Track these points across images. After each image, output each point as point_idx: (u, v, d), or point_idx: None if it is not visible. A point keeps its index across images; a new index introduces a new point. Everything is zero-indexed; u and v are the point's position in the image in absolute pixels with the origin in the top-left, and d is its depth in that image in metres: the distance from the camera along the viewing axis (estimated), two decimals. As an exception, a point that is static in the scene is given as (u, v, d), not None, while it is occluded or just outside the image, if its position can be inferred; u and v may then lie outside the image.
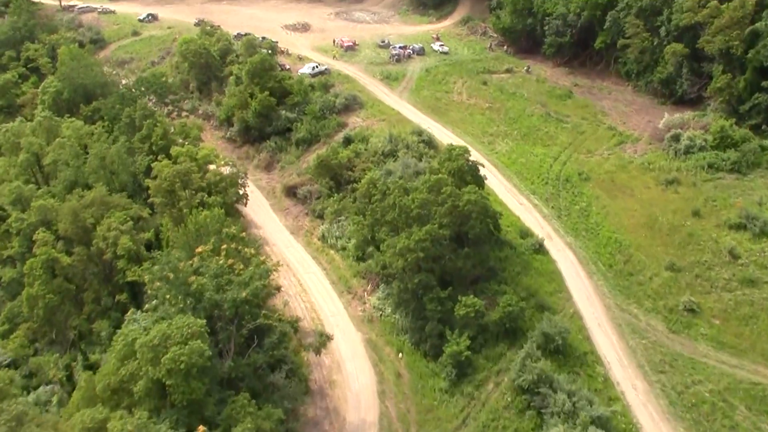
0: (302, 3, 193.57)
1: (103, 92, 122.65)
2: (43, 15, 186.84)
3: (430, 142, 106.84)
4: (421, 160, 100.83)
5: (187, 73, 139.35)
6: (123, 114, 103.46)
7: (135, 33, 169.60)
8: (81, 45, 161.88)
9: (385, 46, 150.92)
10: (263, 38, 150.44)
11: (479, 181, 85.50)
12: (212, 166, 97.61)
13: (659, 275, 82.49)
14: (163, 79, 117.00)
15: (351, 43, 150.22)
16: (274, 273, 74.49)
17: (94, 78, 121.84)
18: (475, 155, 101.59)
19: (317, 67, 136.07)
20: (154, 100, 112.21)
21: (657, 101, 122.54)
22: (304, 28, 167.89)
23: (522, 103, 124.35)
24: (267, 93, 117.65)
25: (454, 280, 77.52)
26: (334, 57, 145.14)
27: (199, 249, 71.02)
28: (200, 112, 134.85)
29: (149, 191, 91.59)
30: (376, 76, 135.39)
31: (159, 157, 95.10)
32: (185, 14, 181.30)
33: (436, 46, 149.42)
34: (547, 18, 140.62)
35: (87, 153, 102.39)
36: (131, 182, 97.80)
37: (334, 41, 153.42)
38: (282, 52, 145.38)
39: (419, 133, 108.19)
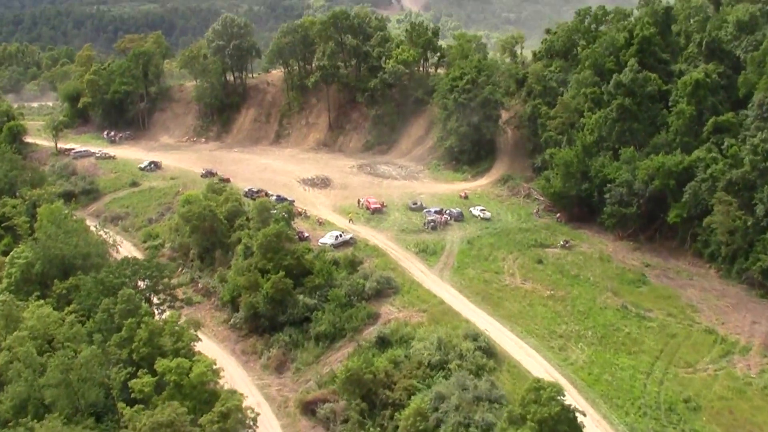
0: (321, 153, 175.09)
1: (84, 264, 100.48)
2: (35, 158, 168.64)
3: (488, 350, 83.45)
4: (479, 376, 77.37)
5: (187, 236, 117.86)
6: (100, 306, 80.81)
7: (134, 183, 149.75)
8: (71, 197, 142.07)
9: (417, 208, 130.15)
10: (278, 197, 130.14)
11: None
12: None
13: None
14: (156, 260, 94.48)
15: (379, 205, 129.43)
16: None
17: (74, 248, 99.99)
18: (544, 367, 78.75)
19: (341, 235, 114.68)
20: (142, 285, 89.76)
21: (755, 293, 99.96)
22: (324, 183, 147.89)
23: (589, 290, 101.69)
24: (282, 273, 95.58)
25: None
26: (350, 221, 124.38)
27: None
28: (200, 285, 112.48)
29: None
30: (409, 247, 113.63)
31: (140, 372, 71.82)
32: (192, 162, 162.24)
33: (476, 210, 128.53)
34: (607, 185, 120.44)
35: (51, 348, 79.52)
36: (102, 399, 74.00)
37: (359, 201, 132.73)
38: (299, 213, 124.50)
39: (474, 337, 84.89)
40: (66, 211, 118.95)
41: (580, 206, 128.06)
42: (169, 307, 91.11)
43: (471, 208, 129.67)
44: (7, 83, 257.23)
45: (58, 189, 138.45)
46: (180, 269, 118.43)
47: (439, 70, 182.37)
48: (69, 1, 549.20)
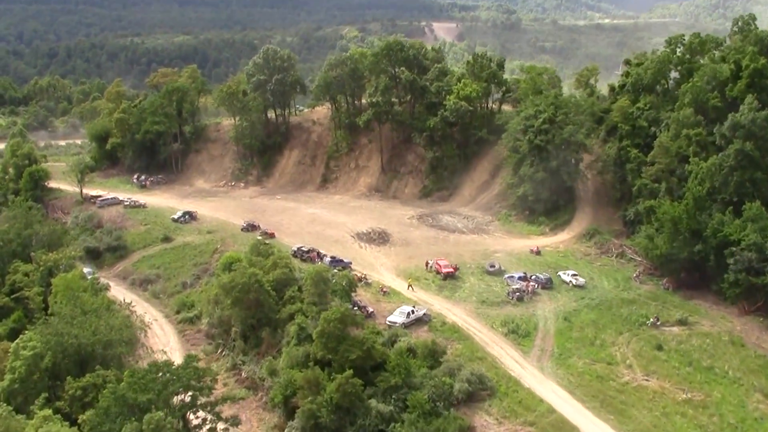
0: (373, 200, 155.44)
1: (105, 355, 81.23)
2: (58, 207, 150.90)
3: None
4: None
5: (228, 309, 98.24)
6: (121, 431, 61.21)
7: (166, 239, 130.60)
8: (96, 255, 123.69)
9: (495, 272, 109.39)
10: (332, 259, 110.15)
11: None
12: None
13: None
14: (194, 364, 74.00)
15: (451, 269, 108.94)
16: None
17: (93, 335, 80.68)
18: None
19: (413, 311, 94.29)
20: (177, 399, 69.61)
21: None
22: (382, 238, 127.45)
23: (732, 390, 79.58)
24: (350, 372, 75.25)
25: None
26: (409, 287, 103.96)
27: None
28: (243, 375, 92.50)
29: None
30: (496, 326, 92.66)
31: None
32: (230, 212, 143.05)
33: (566, 276, 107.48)
34: (728, 248, 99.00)
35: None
36: None
37: (427, 264, 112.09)
38: (359, 280, 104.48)
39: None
40: (89, 278, 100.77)
41: (689, 271, 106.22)
42: (209, 431, 70.51)
43: (560, 273, 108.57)
44: (35, 119, 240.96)
45: (79, 248, 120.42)
46: (220, 350, 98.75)
47: (503, 107, 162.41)
48: (103, 33, 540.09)
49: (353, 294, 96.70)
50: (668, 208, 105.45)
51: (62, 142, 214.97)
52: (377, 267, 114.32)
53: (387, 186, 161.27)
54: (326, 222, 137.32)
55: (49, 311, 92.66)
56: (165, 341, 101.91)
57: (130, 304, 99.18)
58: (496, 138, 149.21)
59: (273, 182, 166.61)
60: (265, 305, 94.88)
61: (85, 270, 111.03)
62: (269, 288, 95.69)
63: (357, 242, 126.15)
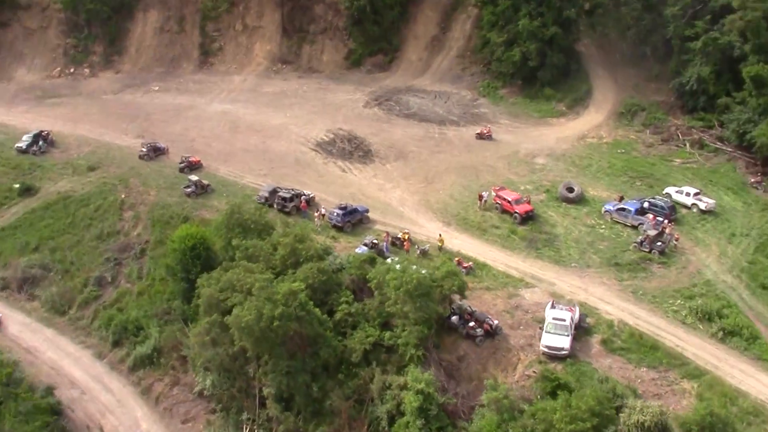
0: (289, 78, 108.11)
1: None
2: None
3: None
4: None
5: (245, 350, 53.56)
6: None
7: (27, 190, 76.29)
8: None
9: (577, 198, 72.24)
10: (344, 211, 67.04)
11: None
12: None
13: None
14: None
15: (529, 207, 68.87)
16: None
17: None
18: None
19: (574, 317, 54.08)
20: None
21: None
22: (359, 148, 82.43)
23: None
24: None
25: None
26: (441, 247, 64.06)
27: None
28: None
29: None
30: (690, 322, 55.12)
31: None
32: (97, 122, 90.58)
33: (682, 196, 71.73)
34: None
35: None
36: None
37: (481, 198, 70.38)
38: (403, 241, 63.75)
39: None
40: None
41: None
42: None
43: (669, 191, 73.04)
44: None
45: None
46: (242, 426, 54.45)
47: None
48: None
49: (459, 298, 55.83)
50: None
51: None
52: (395, 206, 72.25)
53: (296, 54, 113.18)
54: (255, 127, 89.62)
55: None
56: (129, 422, 55.29)
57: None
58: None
59: (130, 62, 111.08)
60: (320, 341, 51.77)
61: None
62: (314, 308, 52.04)
63: (328, 160, 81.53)
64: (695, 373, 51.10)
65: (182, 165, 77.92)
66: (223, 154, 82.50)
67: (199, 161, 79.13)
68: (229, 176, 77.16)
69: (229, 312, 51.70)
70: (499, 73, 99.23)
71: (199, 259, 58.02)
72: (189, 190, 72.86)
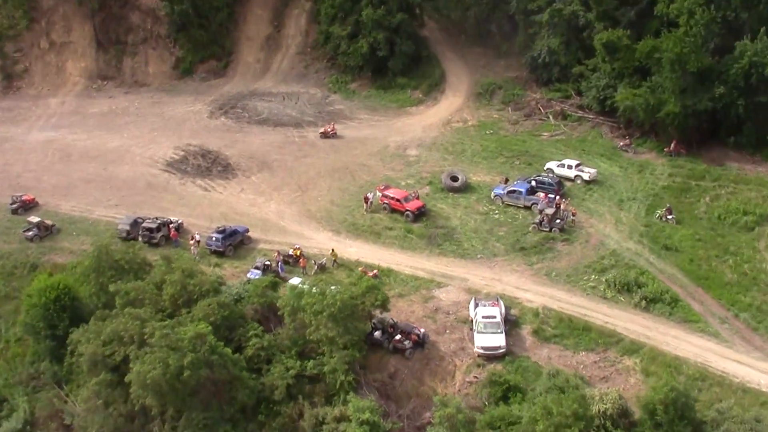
0: (116, 95, 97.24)
1: None
2: None
3: None
4: None
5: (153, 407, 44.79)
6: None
7: None
8: None
9: (462, 186, 68.84)
10: (223, 235, 59.15)
11: None
12: None
13: None
14: None
15: (419, 202, 64.91)
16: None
17: None
18: None
19: (502, 312, 50.20)
20: None
21: None
22: (216, 163, 74.36)
23: None
24: None
25: None
26: (335, 261, 57.14)
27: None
28: None
29: None
30: (611, 296, 52.44)
31: None
32: None
33: (564, 169, 70.20)
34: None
35: None
36: None
37: (366, 200, 64.88)
38: (296, 258, 57.09)
39: None
40: None
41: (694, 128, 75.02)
42: None
43: (551, 166, 71.50)
44: None
45: None
46: None
47: None
48: None
49: (380, 312, 50.12)
50: (670, 43, 72.05)
51: None
52: (275, 221, 65.23)
53: (116, 68, 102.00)
54: (90, 153, 78.84)
55: None
56: None
57: None
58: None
59: None
60: (235, 384, 44.33)
61: None
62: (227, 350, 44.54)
63: (185, 180, 72.86)
64: (632, 347, 48.77)
65: (14, 206, 66.56)
66: (59, 187, 71.60)
67: (34, 199, 68.01)
68: (74, 212, 66.73)
69: (116, 368, 43.36)
70: (347, 66, 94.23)
71: (65, 311, 48.77)
72: (31, 233, 62.07)
